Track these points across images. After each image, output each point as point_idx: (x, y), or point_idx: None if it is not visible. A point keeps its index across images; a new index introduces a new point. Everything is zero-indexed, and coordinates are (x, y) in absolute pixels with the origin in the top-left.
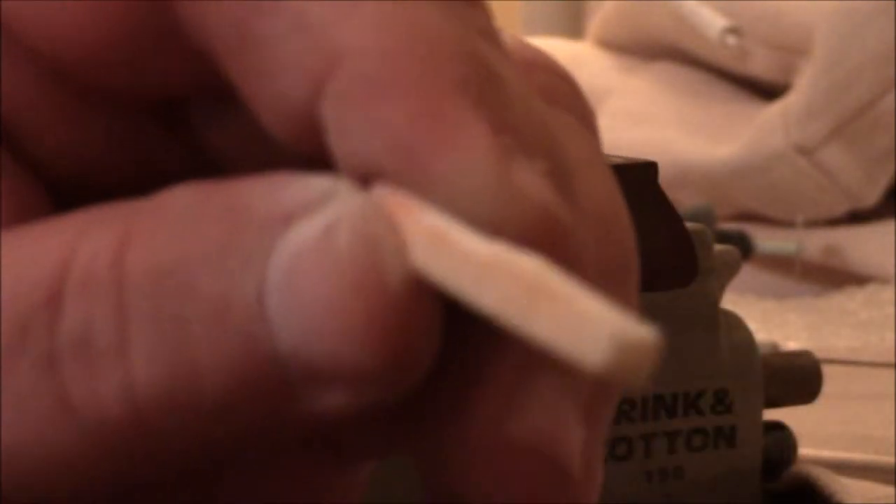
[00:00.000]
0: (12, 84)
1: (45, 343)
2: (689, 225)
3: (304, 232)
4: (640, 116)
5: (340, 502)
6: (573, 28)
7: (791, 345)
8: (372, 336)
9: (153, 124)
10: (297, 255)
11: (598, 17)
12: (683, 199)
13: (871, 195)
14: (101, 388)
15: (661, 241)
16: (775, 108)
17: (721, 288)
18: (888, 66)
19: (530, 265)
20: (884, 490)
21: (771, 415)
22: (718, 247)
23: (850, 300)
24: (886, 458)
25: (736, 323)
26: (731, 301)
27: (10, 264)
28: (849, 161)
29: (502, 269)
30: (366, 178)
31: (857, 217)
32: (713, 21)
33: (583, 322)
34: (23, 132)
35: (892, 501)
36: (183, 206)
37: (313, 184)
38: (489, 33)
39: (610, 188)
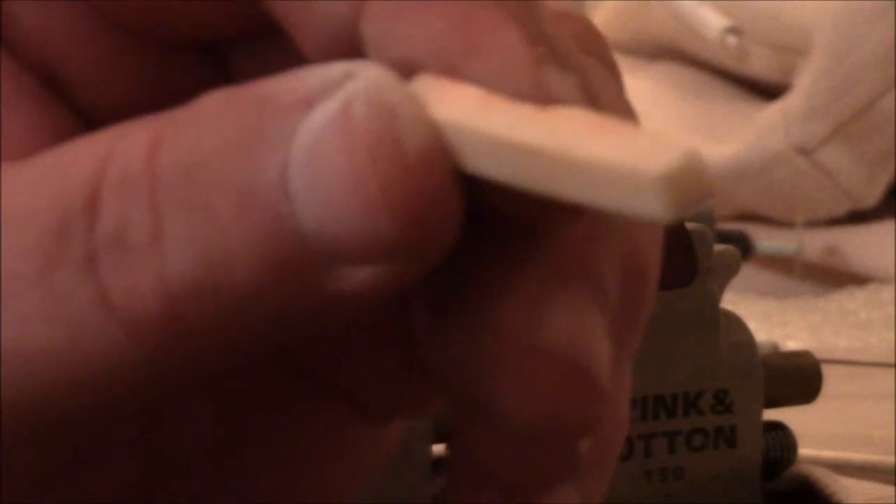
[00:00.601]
0: (62, 27)
1: (84, 246)
2: (689, 225)
3: (325, 111)
4: (640, 116)
5: (368, 463)
6: None
7: (791, 345)
8: (388, 202)
9: (194, 68)
10: (318, 133)
11: (599, 18)
12: None
13: (872, 195)
14: (137, 283)
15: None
16: (775, 108)
17: (721, 288)
18: (888, 66)
19: (584, 110)
20: (884, 490)
21: (771, 415)
22: (718, 247)
23: (851, 300)
24: (886, 458)
25: (736, 323)
26: (731, 301)
27: (48, 176)
28: (849, 161)
29: (556, 111)
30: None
31: (857, 217)
32: (713, 21)
33: (647, 140)
34: (70, 74)
35: (892, 501)
36: (212, 105)
37: (333, 68)
38: None
39: None
